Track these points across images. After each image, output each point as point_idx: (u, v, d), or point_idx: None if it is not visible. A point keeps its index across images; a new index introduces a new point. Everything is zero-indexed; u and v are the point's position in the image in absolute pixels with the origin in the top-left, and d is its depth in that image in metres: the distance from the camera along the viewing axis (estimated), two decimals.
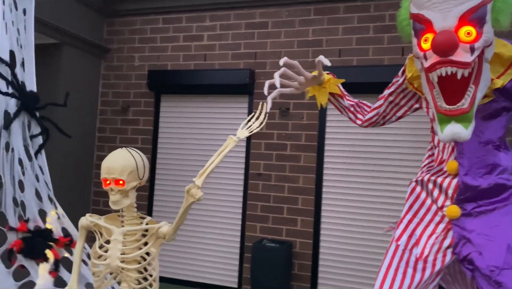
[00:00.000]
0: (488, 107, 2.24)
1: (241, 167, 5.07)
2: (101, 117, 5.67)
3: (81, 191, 5.45)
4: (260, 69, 4.99)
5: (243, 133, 2.20)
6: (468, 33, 1.98)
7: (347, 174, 4.65)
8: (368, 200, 4.54)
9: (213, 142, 5.21)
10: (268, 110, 2.25)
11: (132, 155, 2.27)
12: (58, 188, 4.89)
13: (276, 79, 2.35)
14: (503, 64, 2.19)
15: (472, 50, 1.95)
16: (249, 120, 2.29)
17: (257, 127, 2.21)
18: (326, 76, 2.68)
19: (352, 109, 2.77)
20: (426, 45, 2.07)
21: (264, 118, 2.23)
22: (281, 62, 2.38)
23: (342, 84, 2.78)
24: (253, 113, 2.30)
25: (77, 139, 5.30)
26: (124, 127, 5.53)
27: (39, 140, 3.36)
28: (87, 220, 2.34)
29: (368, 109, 2.76)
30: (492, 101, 2.26)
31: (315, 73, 2.61)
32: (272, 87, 2.38)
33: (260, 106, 2.28)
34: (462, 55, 1.96)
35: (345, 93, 2.79)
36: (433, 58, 2.02)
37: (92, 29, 5.48)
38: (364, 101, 2.82)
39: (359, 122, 2.78)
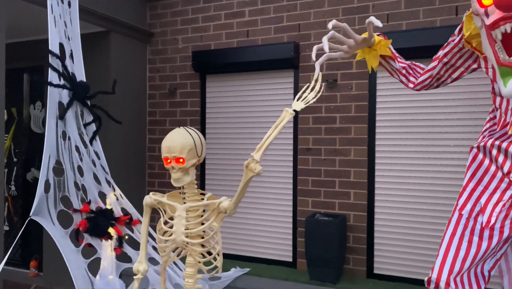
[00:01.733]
0: None
1: (289, 142, 5.05)
2: (150, 101, 5.81)
3: (136, 173, 5.66)
4: (304, 41, 4.88)
5: (298, 105, 2.18)
6: None
7: (400, 143, 4.51)
8: (424, 169, 4.39)
9: (260, 120, 5.21)
10: (316, 77, 2.20)
11: (190, 134, 2.32)
12: (115, 171, 5.11)
13: (325, 43, 2.27)
14: None
15: None
16: (303, 92, 2.25)
17: (313, 98, 2.17)
18: (377, 38, 2.57)
19: (404, 71, 2.66)
20: (487, 1, 1.93)
21: (320, 89, 2.18)
22: (330, 25, 2.30)
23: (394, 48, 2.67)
24: (308, 84, 2.25)
25: (130, 124, 5.48)
26: (173, 110, 5.64)
27: (93, 127, 3.51)
28: (151, 198, 2.43)
29: (421, 72, 2.64)
30: None
31: (365, 35, 2.51)
32: (320, 52, 2.31)
33: (315, 76, 2.22)
34: None
35: (397, 55, 2.68)
36: (496, 14, 1.89)
37: (136, 15, 5.57)
38: (417, 63, 2.70)
39: (411, 85, 2.67)
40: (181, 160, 2.23)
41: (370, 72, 4.37)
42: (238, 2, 5.24)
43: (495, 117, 2.41)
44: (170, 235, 2.36)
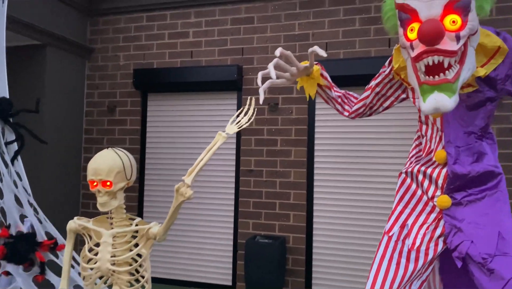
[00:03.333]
0: (473, 97, 2.24)
1: (232, 164, 5.04)
2: (87, 118, 5.58)
3: (69, 194, 5.36)
4: (247, 64, 4.95)
5: (232, 129, 2.17)
6: (454, 22, 1.97)
7: (337, 166, 4.65)
8: (360, 192, 4.54)
9: (203, 140, 5.15)
10: (261, 102, 2.22)
11: (119, 155, 2.22)
12: (46, 191, 4.83)
13: (271, 70, 2.31)
14: (486, 54, 2.19)
15: (458, 38, 1.94)
16: (237, 116, 2.25)
17: (246, 122, 2.18)
18: (315, 67, 2.66)
19: (339, 100, 2.76)
20: (412, 35, 2.05)
21: (253, 113, 2.19)
22: (277, 52, 2.35)
23: (330, 77, 2.76)
24: (242, 108, 2.26)
25: (64, 141, 5.22)
26: (111, 128, 5.45)
27: (15, 146, 3.28)
28: (75, 223, 2.28)
29: (355, 100, 2.75)
30: (477, 91, 2.25)
31: (306, 63, 2.58)
32: (266, 77, 2.34)
33: (248, 101, 2.24)
34: (448, 44, 1.95)
35: (333, 84, 2.77)
36: (419, 48, 2.00)
37: (75, 29, 5.38)
38: (350, 92, 2.81)
39: (346, 113, 2.77)
40: (108, 183, 2.13)
41: (308, 100, 4.53)
42: (182, 23, 5.23)
43: (420, 144, 2.54)
44: (95, 263, 2.22)
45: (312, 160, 4.71)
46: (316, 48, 2.31)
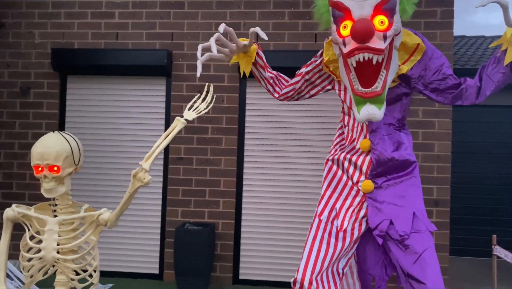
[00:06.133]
0: (391, 92, 2.54)
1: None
2: None
3: None
4: (177, 50, 4.88)
5: (190, 115, 2.19)
6: (382, 22, 2.21)
7: (266, 154, 4.84)
8: (287, 178, 4.79)
9: (130, 126, 4.99)
10: (198, 75, 2.27)
11: (66, 139, 2.12)
12: None
13: (212, 44, 2.38)
14: (407, 52, 2.50)
15: (385, 38, 2.20)
16: (195, 102, 2.27)
17: (205, 109, 2.21)
18: (253, 46, 2.77)
19: (271, 81, 2.90)
20: (345, 32, 2.26)
21: (212, 99, 2.23)
22: (221, 28, 2.41)
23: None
24: (198, 94, 2.29)
25: None
26: (25, 111, 4.99)
27: None
28: (13, 211, 2.12)
29: (286, 84, 2.92)
30: (394, 87, 2.56)
31: (245, 40, 2.68)
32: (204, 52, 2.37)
33: (206, 87, 2.27)
34: (377, 42, 2.19)
35: (267, 65, 2.90)
36: (351, 45, 2.22)
37: None
38: (282, 75, 2.96)
39: (276, 95, 2.93)
40: (55, 168, 2.02)
41: (241, 77, 4.60)
42: (107, 2, 4.96)
43: (343, 133, 2.80)
44: (38, 252, 2.09)
45: (243, 148, 4.84)
46: (257, 29, 2.43)
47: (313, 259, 2.45)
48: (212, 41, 2.38)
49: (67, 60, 4.91)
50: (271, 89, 2.91)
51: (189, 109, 2.23)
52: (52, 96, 4.99)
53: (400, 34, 2.35)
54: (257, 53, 2.80)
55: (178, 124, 2.18)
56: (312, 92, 2.90)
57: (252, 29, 2.43)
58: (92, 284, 2.17)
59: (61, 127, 4.99)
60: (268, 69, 2.88)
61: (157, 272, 4.89)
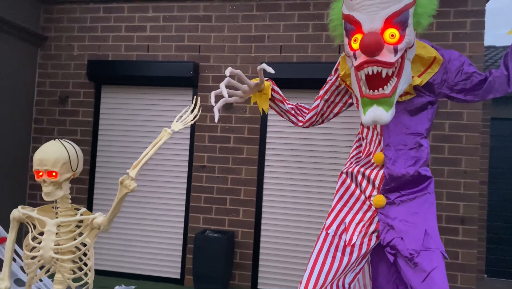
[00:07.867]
0: (414, 102, 2.47)
1: (185, 159, 5.11)
2: (37, 108, 5.46)
3: (17, 185, 5.23)
4: (204, 62, 5.03)
5: (177, 126, 2.27)
6: (392, 35, 2.18)
7: (286, 165, 4.84)
8: (308, 189, 4.76)
9: (155, 135, 5.09)
10: (216, 121, 2.35)
11: (65, 147, 2.27)
12: None
13: (223, 90, 2.44)
14: (424, 64, 2.43)
15: (395, 51, 2.16)
16: (183, 114, 2.36)
17: (191, 120, 2.29)
18: (266, 83, 2.81)
19: (292, 112, 2.92)
20: (355, 45, 2.25)
21: (198, 112, 2.31)
22: (227, 72, 2.48)
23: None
24: (187, 106, 2.37)
25: (12, 131, 5.09)
26: (63, 119, 5.37)
27: None
28: (19, 212, 2.31)
29: (307, 111, 2.92)
30: (417, 97, 2.49)
31: (256, 80, 2.73)
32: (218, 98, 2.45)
33: (194, 100, 2.35)
34: (387, 56, 2.16)
35: (285, 98, 2.93)
36: (361, 58, 2.20)
37: (28, 16, 5.24)
38: (302, 104, 2.97)
39: (300, 124, 2.93)
40: (53, 174, 2.18)
41: (261, 115, 4.67)
42: (139, 17, 5.23)
43: (360, 145, 2.75)
44: (38, 251, 2.26)
45: (263, 158, 4.88)
46: (264, 65, 2.47)
47: (316, 272, 2.43)
48: (222, 87, 2.46)
49: (102, 71, 5.22)
50: (294, 119, 2.94)
51: (177, 120, 2.32)
52: (87, 105, 5.32)
53: (413, 47, 2.30)
54: (273, 89, 2.83)
55: (165, 134, 2.28)
56: (335, 110, 2.90)
57: (259, 67, 2.49)
58: (86, 283, 2.31)
59: (94, 134, 5.31)
60: (287, 102, 2.91)
61: (178, 277, 5.02)
